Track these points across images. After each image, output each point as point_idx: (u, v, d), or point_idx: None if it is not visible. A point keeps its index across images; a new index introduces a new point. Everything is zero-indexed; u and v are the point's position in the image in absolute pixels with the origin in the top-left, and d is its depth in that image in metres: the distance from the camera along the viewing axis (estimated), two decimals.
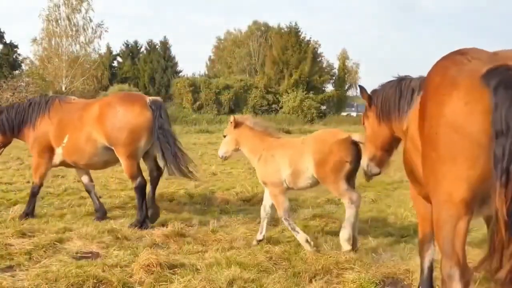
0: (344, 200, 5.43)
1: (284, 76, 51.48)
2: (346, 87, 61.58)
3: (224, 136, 6.11)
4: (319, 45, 57.02)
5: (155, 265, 4.66)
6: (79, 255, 5.37)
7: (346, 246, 5.31)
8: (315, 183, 5.58)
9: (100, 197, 8.96)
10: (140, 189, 6.90)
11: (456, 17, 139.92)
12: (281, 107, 49.04)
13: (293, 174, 5.54)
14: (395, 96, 4.35)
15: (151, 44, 64.04)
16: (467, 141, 2.63)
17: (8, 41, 49.46)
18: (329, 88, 59.11)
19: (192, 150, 19.26)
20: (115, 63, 65.19)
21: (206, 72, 66.55)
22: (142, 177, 6.95)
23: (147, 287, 4.36)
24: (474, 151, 2.62)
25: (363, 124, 4.87)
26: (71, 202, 8.44)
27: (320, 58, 56.90)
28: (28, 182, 10.56)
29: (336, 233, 6.30)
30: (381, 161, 4.79)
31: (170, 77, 58.33)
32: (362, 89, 4.78)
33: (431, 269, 3.99)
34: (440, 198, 2.82)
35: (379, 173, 4.87)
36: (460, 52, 2.96)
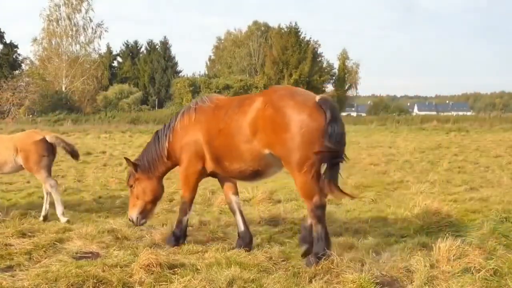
0: (45, 185, 6.97)
1: (284, 76, 51.48)
2: (346, 87, 61.59)
3: None
4: (319, 45, 57.13)
5: (155, 265, 4.66)
6: (79, 255, 5.37)
7: (63, 219, 6.81)
8: (19, 169, 7.13)
9: (100, 197, 9.02)
10: None
11: (456, 17, 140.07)
12: None
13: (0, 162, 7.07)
14: (155, 145, 5.84)
15: (151, 44, 64.09)
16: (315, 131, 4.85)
17: (8, 41, 49.47)
18: (329, 88, 59.18)
19: None
20: (115, 63, 65.26)
21: (206, 72, 66.49)
22: None
23: (147, 287, 4.36)
24: (320, 135, 4.83)
25: (131, 186, 6.02)
26: (71, 202, 8.43)
27: (320, 58, 56.94)
28: (28, 182, 10.55)
29: (336, 233, 6.30)
30: (150, 213, 6.06)
31: (170, 77, 58.34)
32: (127, 160, 6.02)
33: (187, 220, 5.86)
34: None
35: (145, 223, 6.11)
36: (290, 87, 5.40)
